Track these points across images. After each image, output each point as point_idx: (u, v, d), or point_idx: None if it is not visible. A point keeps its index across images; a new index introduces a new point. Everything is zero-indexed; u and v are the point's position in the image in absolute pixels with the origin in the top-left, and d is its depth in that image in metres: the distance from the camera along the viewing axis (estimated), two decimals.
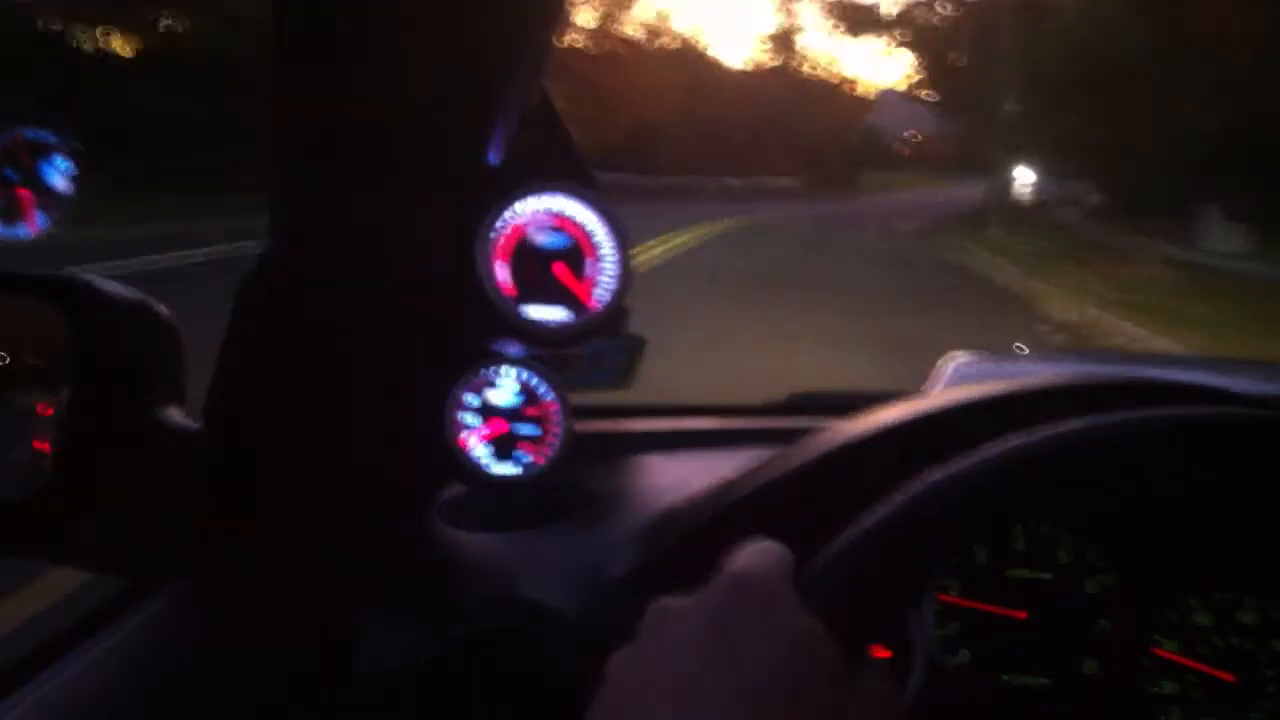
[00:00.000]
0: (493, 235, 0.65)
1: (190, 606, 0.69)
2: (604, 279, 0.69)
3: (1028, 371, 1.17)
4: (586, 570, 0.75)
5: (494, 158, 0.63)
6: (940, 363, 1.16)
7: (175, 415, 0.70)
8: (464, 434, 0.77)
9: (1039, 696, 0.70)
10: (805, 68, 44.18)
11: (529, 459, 0.79)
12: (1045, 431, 0.47)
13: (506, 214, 0.66)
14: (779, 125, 35.82)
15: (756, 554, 0.43)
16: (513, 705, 0.70)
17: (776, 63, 43.27)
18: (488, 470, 0.78)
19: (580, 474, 0.89)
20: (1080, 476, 0.47)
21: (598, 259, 0.69)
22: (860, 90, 48.94)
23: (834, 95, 45.11)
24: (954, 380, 1.11)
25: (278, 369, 0.67)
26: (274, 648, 0.68)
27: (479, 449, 0.78)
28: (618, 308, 0.69)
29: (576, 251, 0.69)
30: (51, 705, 0.61)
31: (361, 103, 0.57)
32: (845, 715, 0.37)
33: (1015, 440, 0.46)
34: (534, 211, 0.67)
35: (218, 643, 0.67)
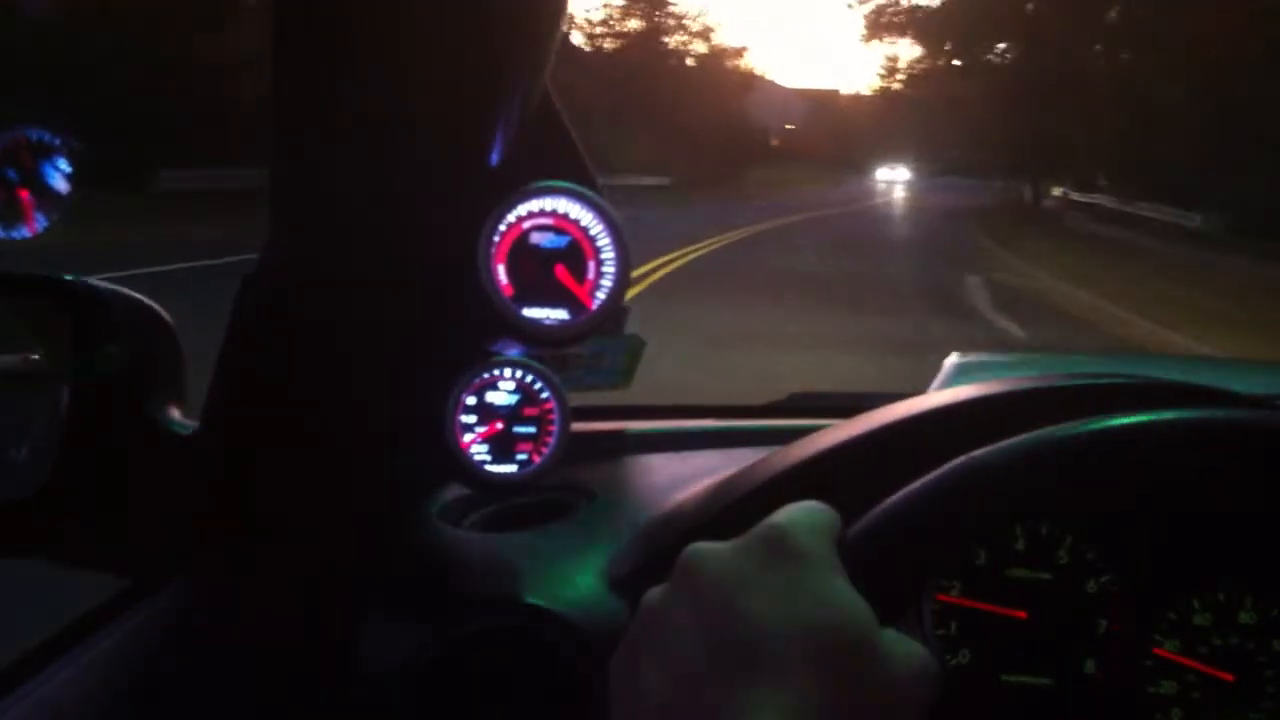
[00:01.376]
0: (493, 235, 0.65)
1: (190, 606, 0.69)
2: (604, 279, 0.69)
3: (1028, 371, 1.17)
4: (586, 570, 0.75)
5: (494, 158, 0.63)
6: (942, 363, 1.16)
7: (175, 415, 0.70)
8: (463, 434, 0.77)
9: (1039, 696, 0.70)
10: (677, 35, 36.36)
11: (526, 458, 0.79)
12: (1045, 431, 0.47)
13: (507, 214, 0.66)
14: (644, 109, 29.11)
15: (800, 510, 0.43)
16: (513, 705, 0.70)
17: (640, 27, 34.94)
18: (485, 469, 0.78)
19: (580, 474, 0.89)
20: (1080, 476, 0.47)
21: (598, 259, 0.69)
22: (745, 65, 41.59)
23: (714, 72, 37.48)
24: (954, 380, 1.11)
25: (277, 369, 0.68)
26: (274, 648, 0.68)
27: (476, 448, 0.78)
28: (618, 308, 0.69)
29: (576, 251, 0.69)
30: (51, 705, 0.61)
31: (361, 103, 0.57)
32: (874, 678, 0.36)
33: (1015, 440, 0.46)
34: (534, 211, 0.67)
35: (218, 643, 0.67)
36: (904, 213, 27.54)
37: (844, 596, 0.38)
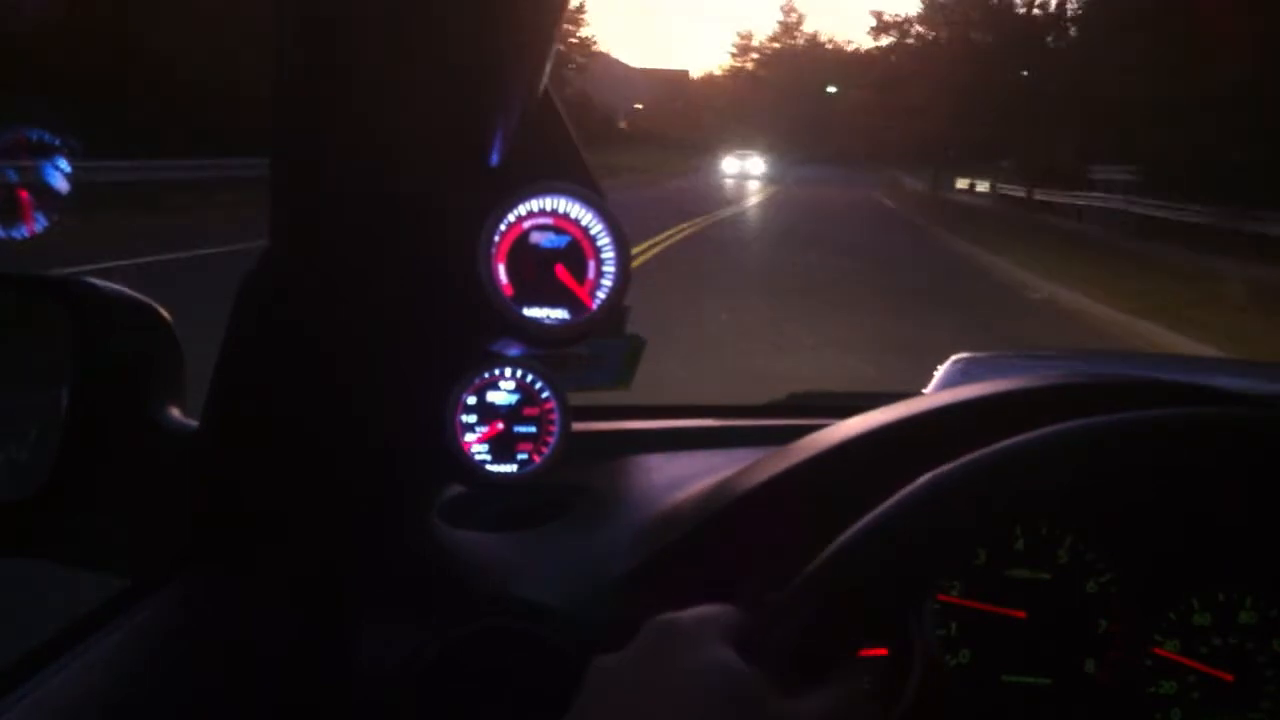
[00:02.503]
0: (493, 235, 0.66)
1: (190, 606, 0.69)
2: (604, 279, 0.69)
3: (1028, 371, 1.17)
4: (586, 570, 0.75)
5: (494, 158, 0.63)
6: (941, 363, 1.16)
7: (175, 415, 0.70)
8: (464, 434, 0.77)
9: (1039, 696, 0.70)
10: None
11: (526, 458, 0.79)
12: (1045, 431, 0.47)
13: (507, 214, 0.66)
14: None
15: (691, 610, 0.44)
16: (513, 706, 0.70)
17: None
18: (485, 469, 0.78)
19: (580, 474, 0.89)
20: (1080, 476, 0.47)
21: (598, 259, 0.69)
22: (583, 35, 36.15)
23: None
24: (954, 380, 1.11)
25: (277, 369, 0.68)
26: (273, 648, 0.68)
27: (476, 448, 0.78)
28: (618, 308, 0.69)
29: (576, 251, 0.69)
30: (51, 705, 0.61)
31: (361, 103, 0.57)
32: None
33: (1015, 440, 0.46)
34: (534, 211, 0.67)
35: (218, 643, 0.67)
36: (825, 222, 17.60)
37: (724, 675, 0.39)
